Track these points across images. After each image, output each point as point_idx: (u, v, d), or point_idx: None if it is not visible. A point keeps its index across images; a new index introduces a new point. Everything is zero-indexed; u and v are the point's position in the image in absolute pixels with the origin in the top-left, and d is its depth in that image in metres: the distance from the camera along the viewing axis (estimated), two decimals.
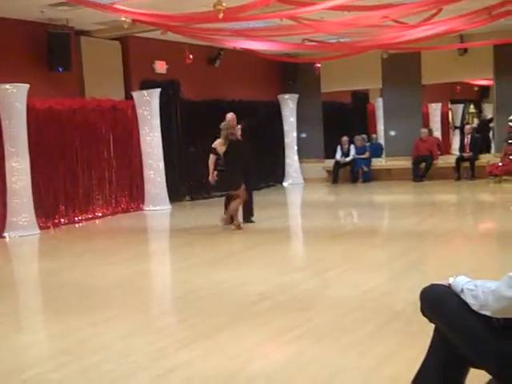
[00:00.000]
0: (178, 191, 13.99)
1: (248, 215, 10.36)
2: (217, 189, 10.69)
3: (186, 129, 14.17)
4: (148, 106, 12.73)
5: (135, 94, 12.82)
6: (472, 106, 21.97)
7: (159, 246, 9.71)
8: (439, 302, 2.77)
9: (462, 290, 2.71)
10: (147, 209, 12.96)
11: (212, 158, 9.77)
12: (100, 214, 12.18)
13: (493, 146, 17.00)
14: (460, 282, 2.75)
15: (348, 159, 16.98)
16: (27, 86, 10.21)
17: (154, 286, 7.21)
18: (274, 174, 17.10)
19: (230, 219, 9.82)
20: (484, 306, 2.60)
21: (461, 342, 2.67)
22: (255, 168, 10.64)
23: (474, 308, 2.64)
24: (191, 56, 13.71)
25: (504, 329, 2.55)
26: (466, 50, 15.74)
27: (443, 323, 2.76)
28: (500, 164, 14.21)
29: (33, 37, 11.44)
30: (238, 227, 9.73)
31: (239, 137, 10.02)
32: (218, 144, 9.73)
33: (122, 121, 12.76)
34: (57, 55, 11.54)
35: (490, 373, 2.65)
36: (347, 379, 3.76)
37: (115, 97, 12.78)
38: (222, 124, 9.85)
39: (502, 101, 15.63)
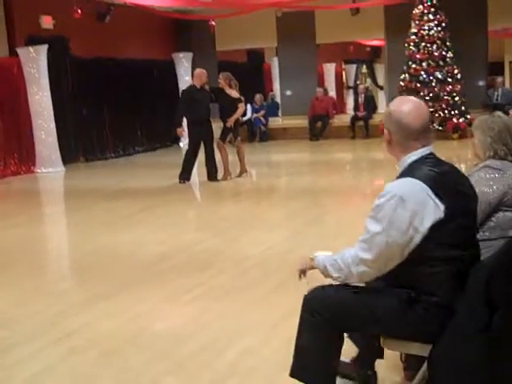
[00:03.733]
0: (71, 152, 13.47)
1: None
2: None
3: (78, 87, 13.62)
4: (35, 63, 12.08)
5: (21, 51, 12.11)
6: (365, 67, 22.50)
7: (53, 210, 9.33)
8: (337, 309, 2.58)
9: (325, 268, 2.61)
10: (39, 171, 12.41)
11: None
12: None
13: (384, 105, 17.51)
14: (320, 259, 2.65)
15: (245, 118, 16.95)
16: None
17: (50, 250, 6.94)
18: (170, 134, 16.84)
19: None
20: (349, 276, 2.55)
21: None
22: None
23: (339, 280, 2.58)
24: (79, 11, 13.10)
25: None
26: (358, 10, 15.98)
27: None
28: None
29: None
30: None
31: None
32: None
33: (7, 79, 12.06)
34: None
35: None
36: (249, 337, 3.77)
37: None
38: (227, 74, 10.10)
39: (393, 61, 16.06)
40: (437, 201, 2.39)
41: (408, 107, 2.51)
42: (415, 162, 2.50)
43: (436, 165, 2.50)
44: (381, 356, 2.94)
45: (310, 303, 2.62)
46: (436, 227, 2.39)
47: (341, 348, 2.65)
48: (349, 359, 3.01)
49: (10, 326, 4.14)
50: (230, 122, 9.93)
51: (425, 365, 2.52)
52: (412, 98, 2.61)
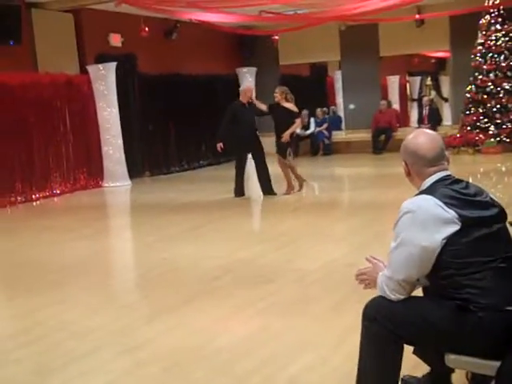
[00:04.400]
0: (137, 167, 13.80)
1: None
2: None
3: (144, 103, 13.95)
4: (104, 80, 12.46)
5: (90, 68, 12.53)
6: (429, 79, 22.16)
7: (119, 223, 9.58)
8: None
9: (382, 289, 2.64)
10: (106, 185, 12.76)
11: None
12: (58, 192, 11.93)
13: (450, 117, 17.19)
14: (378, 281, 2.68)
15: (308, 132, 16.97)
16: None
17: (116, 263, 7.11)
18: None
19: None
20: (386, 294, 2.60)
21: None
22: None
23: (393, 298, 2.58)
24: (147, 29, 13.47)
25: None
26: (422, 22, 15.81)
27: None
28: (458, 135, 14.38)
29: None
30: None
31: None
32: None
33: (77, 96, 12.47)
34: (7, 28, 11.13)
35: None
36: (311, 353, 3.75)
37: (70, 71, 12.45)
38: (284, 88, 10.04)
39: (458, 72, 15.77)
40: (451, 212, 2.47)
41: (421, 139, 2.66)
42: (432, 184, 2.62)
43: (452, 183, 2.61)
44: (453, 370, 2.90)
45: (368, 311, 2.64)
46: (455, 237, 2.46)
47: (401, 359, 2.62)
48: (421, 375, 3.01)
49: (77, 338, 4.25)
50: (286, 137, 9.89)
51: None
52: (426, 129, 2.79)
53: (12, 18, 11.12)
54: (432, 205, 2.50)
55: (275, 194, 10.09)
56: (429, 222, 2.49)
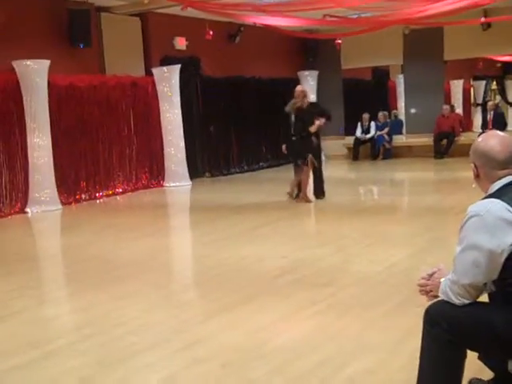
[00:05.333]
0: (197, 168, 14.01)
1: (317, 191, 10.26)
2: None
3: (207, 105, 14.14)
4: (168, 82, 12.70)
5: (155, 71, 12.79)
6: (494, 83, 21.66)
7: (180, 222, 9.74)
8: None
9: (446, 293, 2.61)
10: (167, 185, 12.99)
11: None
12: (121, 190, 12.23)
13: None
14: (442, 285, 2.65)
15: (369, 136, 16.85)
16: (48, 61, 10.22)
17: (176, 261, 7.24)
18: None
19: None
20: (450, 299, 2.57)
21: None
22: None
23: (458, 303, 2.55)
24: (211, 32, 13.65)
25: None
26: (489, 25, 15.45)
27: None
28: None
29: (53, 13, 11.40)
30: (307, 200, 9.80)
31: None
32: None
33: (142, 97, 12.75)
34: (77, 31, 11.50)
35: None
36: (369, 356, 3.74)
37: (135, 73, 12.76)
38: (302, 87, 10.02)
39: None
40: None
41: (493, 141, 2.61)
42: (501, 187, 2.56)
43: None
44: None
45: (431, 314, 2.62)
46: None
47: (463, 364, 2.59)
48: (486, 380, 2.99)
49: (138, 333, 4.36)
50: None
51: None
52: (497, 132, 2.73)
53: (82, 22, 11.48)
54: (500, 208, 2.46)
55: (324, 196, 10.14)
56: (496, 226, 2.45)
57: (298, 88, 10.11)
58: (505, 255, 2.44)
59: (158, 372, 3.68)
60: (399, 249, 6.56)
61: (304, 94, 9.91)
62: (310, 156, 9.71)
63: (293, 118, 9.78)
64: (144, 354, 3.95)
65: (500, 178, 2.59)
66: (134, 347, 4.08)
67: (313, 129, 9.70)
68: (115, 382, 3.60)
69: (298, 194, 9.92)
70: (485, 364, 2.89)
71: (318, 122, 9.81)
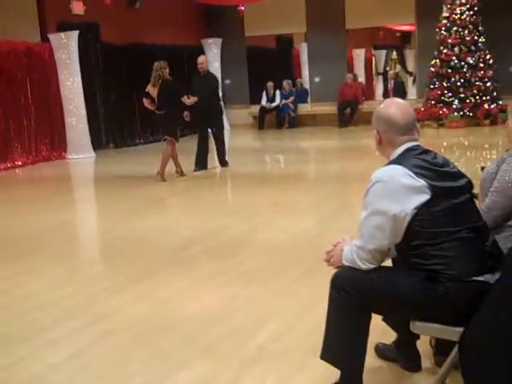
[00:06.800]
0: (101, 139, 13.62)
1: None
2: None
3: (107, 73, 13.72)
4: (66, 49, 12.20)
5: (52, 37, 12.24)
6: (394, 52, 22.25)
7: (84, 195, 9.45)
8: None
9: (351, 260, 2.64)
10: (70, 157, 12.57)
11: (145, 101, 9.36)
12: (20, 163, 11.72)
13: (414, 91, 17.33)
14: (347, 252, 2.67)
15: (274, 105, 16.93)
16: None
17: (80, 235, 7.04)
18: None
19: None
20: (356, 264, 2.60)
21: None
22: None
23: (364, 268, 2.59)
24: None
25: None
26: None
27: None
28: (422, 109, 14.50)
29: None
30: (181, 174, 9.53)
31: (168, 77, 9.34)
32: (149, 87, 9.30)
33: (39, 65, 12.21)
34: None
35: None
36: (278, 322, 3.78)
37: (30, 39, 12.16)
38: (155, 64, 9.34)
39: (423, 46, 15.86)
40: (421, 181, 2.49)
41: (394, 107, 2.68)
42: (402, 153, 2.63)
43: (422, 153, 2.63)
44: (418, 337, 2.98)
45: (337, 281, 2.65)
46: (425, 207, 2.48)
47: (368, 327, 2.65)
48: (390, 342, 3.09)
49: (43, 308, 4.21)
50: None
51: (455, 350, 2.52)
52: (398, 99, 2.81)
53: None
54: (402, 174, 2.51)
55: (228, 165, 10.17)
56: (399, 191, 2.50)
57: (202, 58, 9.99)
58: (408, 219, 2.50)
59: (66, 347, 3.57)
60: (305, 217, 6.66)
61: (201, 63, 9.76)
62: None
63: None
64: (51, 330, 3.83)
65: (402, 144, 2.64)
66: (40, 323, 3.95)
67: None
68: (19, 360, 3.45)
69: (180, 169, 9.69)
70: (388, 325, 2.99)
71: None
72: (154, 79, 9.23)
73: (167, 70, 9.28)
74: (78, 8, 13.14)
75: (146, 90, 9.33)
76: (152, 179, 9.33)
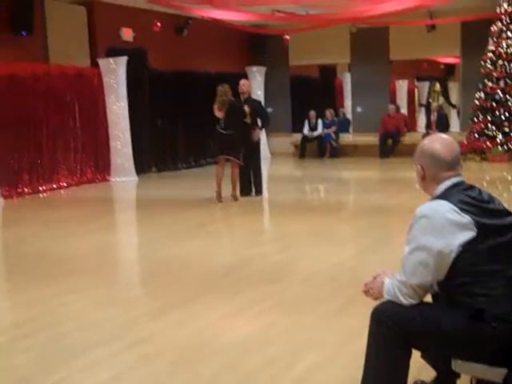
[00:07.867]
0: (144, 162, 13.83)
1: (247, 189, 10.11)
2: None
3: (154, 99, 13.97)
4: (114, 74, 12.48)
5: (101, 62, 12.55)
6: (438, 84, 22.13)
7: (126, 217, 9.60)
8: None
9: (393, 294, 2.62)
10: (113, 180, 12.79)
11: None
12: (65, 184, 11.95)
13: (458, 124, 17.19)
14: (388, 286, 2.66)
15: (316, 134, 16.96)
16: None
17: (123, 257, 7.12)
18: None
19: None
20: (399, 300, 2.59)
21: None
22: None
23: (406, 303, 2.57)
24: (159, 24, 13.50)
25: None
26: (434, 27, 15.81)
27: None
28: (465, 142, 14.36)
29: None
30: (235, 198, 9.60)
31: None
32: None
33: (87, 89, 12.49)
34: (20, 19, 11.16)
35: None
36: (317, 353, 3.77)
37: (81, 64, 12.49)
38: (218, 88, 9.49)
39: (468, 79, 15.76)
40: (467, 217, 2.48)
41: (439, 143, 2.67)
42: (447, 189, 2.62)
43: (467, 189, 2.62)
44: (459, 376, 2.92)
45: (377, 315, 2.63)
46: (470, 244, 2.47)
47: (409, 363, 2.62)
48: (429, 380, 3.04)
49: (83, 330, 4.27)
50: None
51: None
52: (442, 134, 2.79)
53: (25, 9, 11.14)
54: (448, 210, 2.50)
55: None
56: (445, 227, 2.49)
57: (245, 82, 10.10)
58: (453, 256, 2.48)
59: (104, 371, 3.60)
60: (345, 247, 6.64)
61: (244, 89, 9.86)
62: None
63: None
64: (90, 353, 3.87)
65: (446, 180, 2.63)
66: (80, 345, 3.99)
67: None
68: (58, 381, 3.50)
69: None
70: (428, 363, 2.94)
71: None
72: (220, 103, 9.36)
73: (230, 92, 9.45)
74: (127, 34, 13.50)
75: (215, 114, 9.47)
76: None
